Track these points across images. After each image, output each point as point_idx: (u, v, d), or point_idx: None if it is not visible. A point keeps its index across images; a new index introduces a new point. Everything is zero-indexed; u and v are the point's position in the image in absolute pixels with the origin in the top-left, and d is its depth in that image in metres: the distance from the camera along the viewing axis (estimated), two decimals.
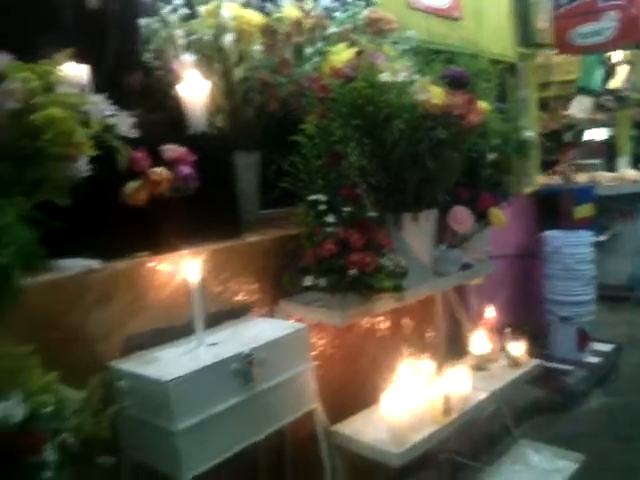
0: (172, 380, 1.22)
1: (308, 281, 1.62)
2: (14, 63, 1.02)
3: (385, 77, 1.67)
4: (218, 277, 1.61)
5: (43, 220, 1.01)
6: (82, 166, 1.12)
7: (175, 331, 1.48)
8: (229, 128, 1.89)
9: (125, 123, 1.13)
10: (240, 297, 1.68)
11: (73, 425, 1.00)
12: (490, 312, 2.28)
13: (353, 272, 1.58)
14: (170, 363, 1.33)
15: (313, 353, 1.79)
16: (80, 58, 1.41)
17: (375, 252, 1.60)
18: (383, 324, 2.15)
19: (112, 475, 1.10)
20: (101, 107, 1.08)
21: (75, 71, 1.35)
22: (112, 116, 1.11)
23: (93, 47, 1.53)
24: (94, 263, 1.34)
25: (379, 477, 1.93)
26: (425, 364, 1.85)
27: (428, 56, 1.90)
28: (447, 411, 1.69)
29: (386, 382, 1.68)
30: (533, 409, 2.83)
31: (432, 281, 1.94)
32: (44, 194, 1.05)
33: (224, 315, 1.62)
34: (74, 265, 1.32)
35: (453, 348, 2.39)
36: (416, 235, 1.84)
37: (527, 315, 3.19)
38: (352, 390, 1.89)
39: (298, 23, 1.81)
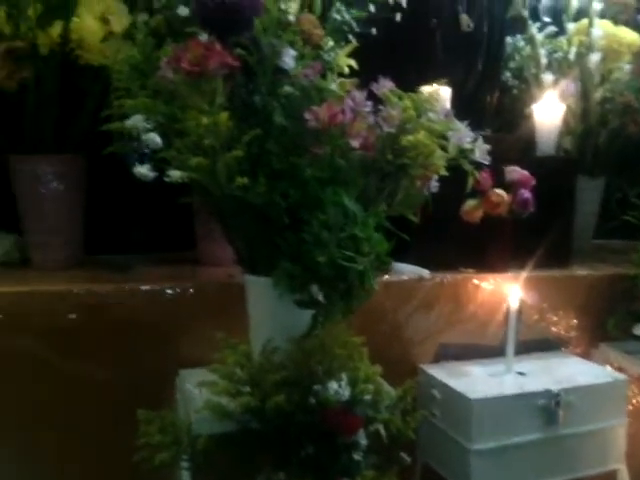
0: (477, 399, 1.25)
1: (638, 330, 1.47)
2: (394, 90, 1.14)
3: None
4: (537, 305, 1.57)
5: (393, 231, 1.13)
6: (432, 184, 1.21)
7: (485, 350, 1.50)
8: (577, 150, 1.80)
9: (481, 150, 1.18)
10: (556, 330, 1.61)
11: (385, 418, 1.11)
12: None
13: None
14: (477, 381, 1.36)
15: (629, 409, 1.63)
16: (445, 80, 1.52)
17: None
18: None
19: (405, 470, 1.19)
20: (461, 134, 1.15)
21: (439, 94, 1.46)
22: (470, 142, 1.17)
23: (458, 68, 1.62)
24: (424, 272, 1.44)
25: None
26: None
27: None
28: None
29: None
30: None
31: None
32: (397, 208, 1.17)
33: (536, 345, 1.58)
34: (406, 270, 1.45)
35: None
36: None
37: None
38: None
39: None
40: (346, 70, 1.45)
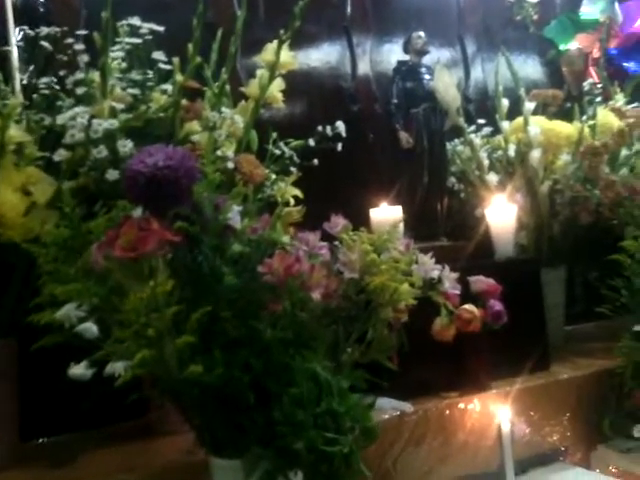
0: None
1: (638, 432, 1.39)
2: (348, 227, 1.07)
3: None
4: (527, 419, 1.47)
5: (369, 381, 1.03)
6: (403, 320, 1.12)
7: (484, 478, 1.37)
8: (533, 245, 1.78)
9: (449, 279, 1.11)
10: (551, 441, 1.50)
11: None
12: None
13: None
14: None
15: None
16: (394, 198, 1.48)
17: None
18: None
19: None
20: (427, 267, 1.07)
21: (391, 213, 1.41)
22: (437, 272, 1.10)
23: (405, 183, 1.60)
24: (406, 406, 1.32)
25: None
26: None
27: None
28: None
29: None
30: None
31: None
32: (370, 354, 1.07)
33: (534, 461, 1.47)
34: (387, 406, 1.32)
35: None
36: None
37: None
38: None
39: (620, 134, 1.64)
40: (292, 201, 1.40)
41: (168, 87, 1.23)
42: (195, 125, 1.17)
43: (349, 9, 1.86)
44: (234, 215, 0.97)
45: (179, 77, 1.17)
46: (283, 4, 1.67)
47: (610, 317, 1.55)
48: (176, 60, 1.20)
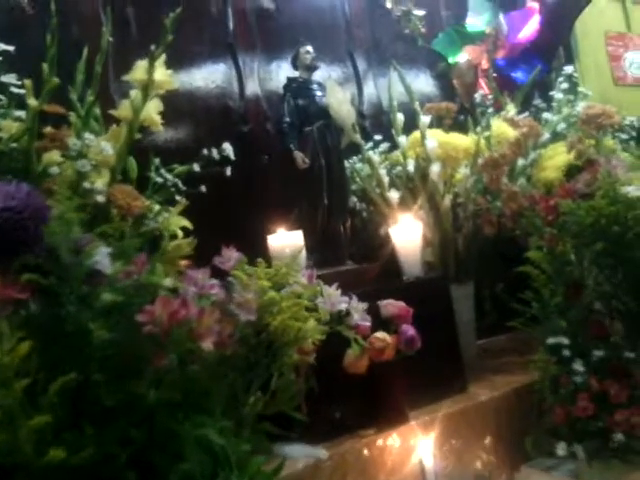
0: None
1: (562, 450, 1.34)
2: (243, 260, 0.94)
3: (632, 191, 1.40)
4: (449, 448, 1.39)
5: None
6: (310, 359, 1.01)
7: None
8: (439, 261, 1.72)
9: (358, 311, 1.01)
10: (475, 467, 1.43)
11: None
12: None
13: (619, 437, 1.28)
14: None
15: None
16: (294, 222, 1.37)
17: None
18: None
19: None
20: (333, 299, 0.97)
21: (291, 239, 1.30)
22: (345, 305, 0.99)
23: (304, 206, 1.49)
24: (321, 452, 1.20)
25: None
26: None
27: None
28: None
29: None
30: None
31: None
32: (275, 404, 0.94)
33: None
34: (299, 454, 1.19)
35: None
36: None
37: None
38: None
39: (517, 144, 1.62)
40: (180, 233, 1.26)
41: (23, 114, 1.06)
42: (55, 155, 1.00)
43: (231, 25, 1.75)
44: (102, 257, 0.82)
45: (32, 101, 1.00)
46: (156, 20, 1.54)
47: (521, 329, 1.52)
48: (28, 82, 1.03)
